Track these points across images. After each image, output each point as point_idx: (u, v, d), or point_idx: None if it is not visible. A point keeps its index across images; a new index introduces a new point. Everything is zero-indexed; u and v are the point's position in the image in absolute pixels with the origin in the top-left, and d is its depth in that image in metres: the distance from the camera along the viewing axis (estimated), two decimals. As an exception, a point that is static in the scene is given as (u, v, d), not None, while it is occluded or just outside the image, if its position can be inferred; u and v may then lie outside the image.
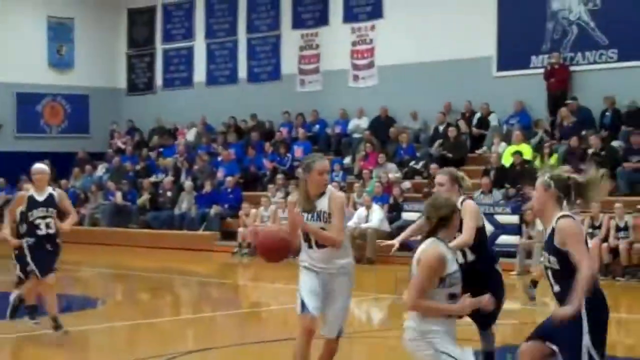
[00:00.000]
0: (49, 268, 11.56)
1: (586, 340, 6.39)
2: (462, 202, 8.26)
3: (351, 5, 27.85)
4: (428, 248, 6.49)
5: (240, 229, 24.04)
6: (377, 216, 21.96)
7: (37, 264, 11.56)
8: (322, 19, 28.57)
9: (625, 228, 18.48)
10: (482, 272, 8.21)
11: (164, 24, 32.86)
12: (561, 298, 6.56)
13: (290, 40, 29.23)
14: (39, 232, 11.55)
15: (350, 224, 22.20)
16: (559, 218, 6.53)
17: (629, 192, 20.20)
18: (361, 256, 21.63)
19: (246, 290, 19.45)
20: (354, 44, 27.73)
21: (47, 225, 11.60)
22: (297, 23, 29.15)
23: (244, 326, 13.92)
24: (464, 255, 8.29)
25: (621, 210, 18.61)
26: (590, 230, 18.76)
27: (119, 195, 28.26)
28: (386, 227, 21.85)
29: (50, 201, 11.64)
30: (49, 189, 11.74)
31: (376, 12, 27.28)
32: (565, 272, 6.48)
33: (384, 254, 18.84)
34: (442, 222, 6.55)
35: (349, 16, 27.90)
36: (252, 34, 30.32)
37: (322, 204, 8.09)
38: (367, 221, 22.05)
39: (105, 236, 27.04)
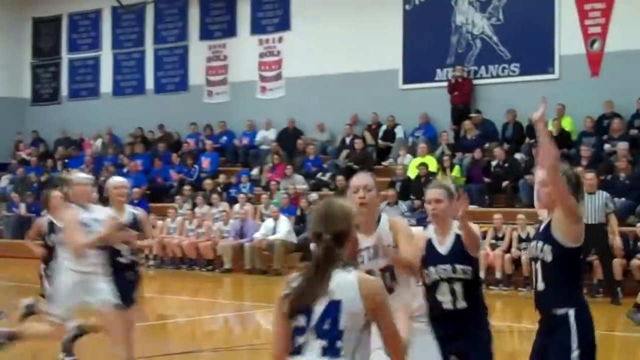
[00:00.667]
0: (129, 300, 9.78)
1: (575, 355, 5.96)
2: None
3: (258, 17, 27.93)
4: (365, 279, 4.62)
5: (147, 241, 23.87)
6: (284, 228, 22.05)
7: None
8: (230, 31, 28.59)
9: (528, 239, 18.79)
10: (473, 324, 6.70)
11: (70, 34, 32.53)
12: (543, 299, 6.13)
13: (198, 51, 29.18)
14: (121, 260, 9.76)
15: (258, 235, 22.28)
16: None
17: (530, 203, 20.57)
18: (268, 267, 21.77)
19: (152, 302, 19.30)
20: (261, 55, 27.80)
21: (132, 252, 9.87)
22: (205, 34, 29.12)
23: (150, 339, 13.85)
24: (454, 299, 6.72)
25: (523, 222, 18.96)
26: (492, 242, 19.14)
27: (22, 206, 27.88)
28: (293, 238, 21.96)
29: (134, 224, 9.89)
30: (129, 208, 10.04)
31: (283, 24, 27.40)
32: (555, 266, 6.04)
33: (291, 264, 18.96)
34: (338, 239, 4.61)
35: (257, 28, 27.96)
36: (159, 45, 30.20)
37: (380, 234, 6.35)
38: (274, 232, 22.12)
39: (9, 248, 26.60)
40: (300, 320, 4.57)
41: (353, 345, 4.50)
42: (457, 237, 6.67)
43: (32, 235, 11.51)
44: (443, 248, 6.73)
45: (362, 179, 6.46)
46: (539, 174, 6.33)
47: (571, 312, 5.99)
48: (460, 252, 6.61)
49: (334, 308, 4.50)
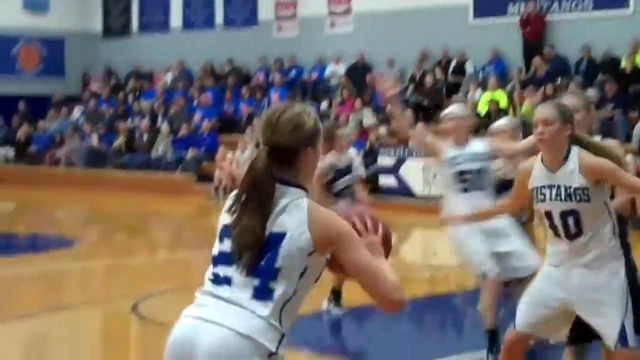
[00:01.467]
0: None
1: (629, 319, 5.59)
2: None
3: (329, -49, 27.74)
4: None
5: (217, 172, 24.10)
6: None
7: None
8: (300, -35, 28.45)
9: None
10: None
11: (141, -32, 32.62)
12: None
13: (268, -15, 29.12)
14: None
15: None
16: None
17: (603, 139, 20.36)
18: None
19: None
20: (331, -10, 27.67)
21: None
22: (275, -32, 29.02)
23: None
24: None
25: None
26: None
27: (95, 137, 28.26)
28: (362, 172, 21.95)
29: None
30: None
31: (354, -41, 27.20)
32: None
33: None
34: (280, 154, 3.80)
35: (327, -38, 27.79)
36: (229, -21, 30.16)
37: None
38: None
39: (81, 178, 27.00)
40: (226, 245, 3.84)
41: (286, 290, 3.67)
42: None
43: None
44: None
45: (541, 111, 5.76)
46: None
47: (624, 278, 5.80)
48: None
49: (274, 241, 3.69)
